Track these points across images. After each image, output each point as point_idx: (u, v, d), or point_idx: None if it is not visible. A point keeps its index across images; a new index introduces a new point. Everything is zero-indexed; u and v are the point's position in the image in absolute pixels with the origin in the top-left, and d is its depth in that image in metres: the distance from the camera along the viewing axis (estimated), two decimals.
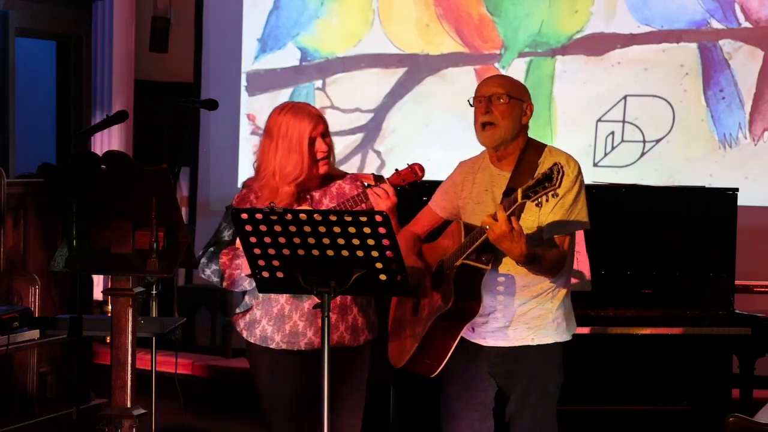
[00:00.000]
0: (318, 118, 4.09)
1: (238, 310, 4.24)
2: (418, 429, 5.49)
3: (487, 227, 3.67)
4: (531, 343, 3.99)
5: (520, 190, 3.63)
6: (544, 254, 3.85)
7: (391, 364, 4.13)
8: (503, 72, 8.09)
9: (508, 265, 3.93)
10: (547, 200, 3.61)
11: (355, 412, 4.17)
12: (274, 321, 4.12)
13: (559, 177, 3.53)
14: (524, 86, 4.07)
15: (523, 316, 3.98)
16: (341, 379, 4.07)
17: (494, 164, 4.03)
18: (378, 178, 4.05)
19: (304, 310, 4.07)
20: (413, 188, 4.11)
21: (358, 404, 4.19)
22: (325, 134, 4.09)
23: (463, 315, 3.88)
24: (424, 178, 4.12)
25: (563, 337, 4.05)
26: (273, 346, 4.12)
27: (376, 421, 5.31)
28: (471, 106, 4.01)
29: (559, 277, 3.98)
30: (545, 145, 4.04)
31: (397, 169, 4.06)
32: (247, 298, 4.20)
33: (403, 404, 5.52)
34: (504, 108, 3.94)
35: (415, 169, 4.06)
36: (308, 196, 4.13)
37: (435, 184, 4.24)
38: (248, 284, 4.06)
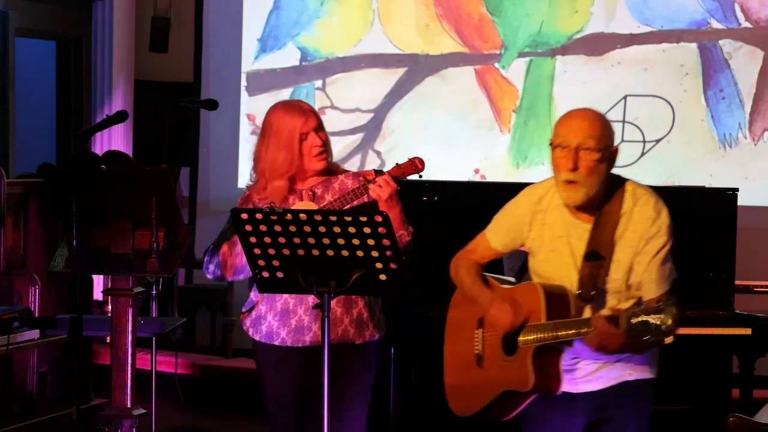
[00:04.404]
0: (309, 113, 4.10)
1: (243, 309, 4.24)
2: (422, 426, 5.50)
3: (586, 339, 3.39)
4: (629, 378, 3.65)
5: (624, 317, 3.32)
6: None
7: (452, 410, 3.89)
8: (503, 72, 8.10)
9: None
10: (657, 332, 3.27)
11: (359, 411, 4.15)
12: (279, 316, 4.11)
13: (675, 323, 3.22)
14: (610, 124, 3.62)
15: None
16: (345, 377, 4.06)
17: (567, 208, 3.62)
18: (378, 173, 4.04)
19: (308, 304, 4.04)
20: (411, 182, 4.05)
21: (363, 403, 4.16)
22: (319, 129, 4.10)
23: (539, 391, 3.59)
24: (425, 178, 4.12)
25: (656, 373, 3.72)
26: (278, 342, 4.11)
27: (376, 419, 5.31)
28: (549, 145, 3.59)
29: None
30: (624, 183, 3.66)
31: (397, 163, 4.05)
32: (252, 295, 4.19)
33: (406, 401, 5.52)
34: (592, 164, 3.51)
35: (416, 163, 4.03)
36: (311, 192, 4.13)
37: (436, 185, 4.23)
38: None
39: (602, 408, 3.68)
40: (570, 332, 3.48)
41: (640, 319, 3.29)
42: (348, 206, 3.98)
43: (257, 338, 4.17)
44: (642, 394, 3.69)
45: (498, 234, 3.79)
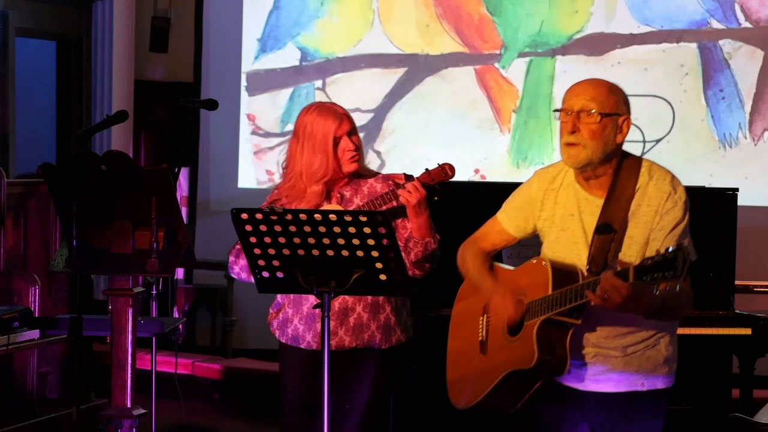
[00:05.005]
0: (343, 117, 4.11)
1: (271, 310, 4.24)
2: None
3: (591, 302, 3.24)
4: (641, 389, 3.50)
5: (632, 269, 3.14)
6: (670, 297, 3.28)
7: (452, 403, 3.78)
8: (503, 72, 8.10)
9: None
10: (667, 289, 3.12)
11: (380, 416, 4.14)
12: (305, 320, 4.12)
13: (685, 267, 3.02)
14: (622, 94, 3.58)
15: (630, 357, 3.48)
16: (366, 381, 4.07)
17: (580, 184, 3.53)
18: (408, 177, 4.02)
19: (334, 309, 4.01)
20: (442, 188, 4.07)
21: (383, 407, 4.16)
22: (352, 132, 4.11)
23: (545, 373, 3.44)
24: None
25: (671, 381, 3.56)
26: (304, 345, 4.12)
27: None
28: (557, 118, 3.53)
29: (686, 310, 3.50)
30: (641, 160, 3.55)
31: (427, 169, 4.06)
32: (279, 297, 4.20)
33: (405, 408, 5.52)
34: (594, 128, 3.43)
35: (446, 169, 4.04)
36: (339, 195, 4.13)
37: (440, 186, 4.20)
38: None
39: (611, 420, 3.52)
40: (576, 300, 3.32)
41: (648, 266, 3.12)
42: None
43: (283, 341, 4.19)
44: (655, 407, 3.55)
45: (509, 215, 3.68)
